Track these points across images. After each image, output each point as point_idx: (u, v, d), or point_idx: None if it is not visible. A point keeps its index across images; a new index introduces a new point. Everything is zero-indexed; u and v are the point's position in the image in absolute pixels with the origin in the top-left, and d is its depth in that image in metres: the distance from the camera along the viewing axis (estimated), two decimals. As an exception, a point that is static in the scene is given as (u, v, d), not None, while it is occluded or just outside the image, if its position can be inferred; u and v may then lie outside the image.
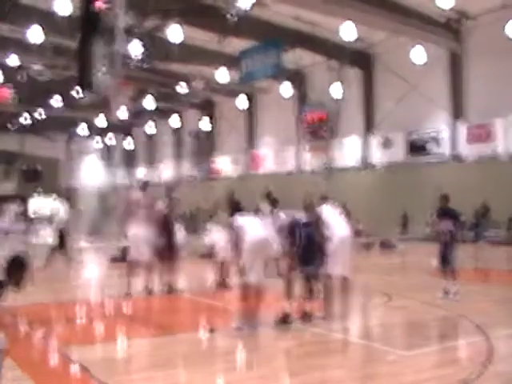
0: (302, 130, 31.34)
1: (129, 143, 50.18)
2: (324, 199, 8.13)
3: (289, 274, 7.28)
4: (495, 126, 22.94)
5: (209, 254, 16.19)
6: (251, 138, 36.12)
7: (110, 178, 54.76)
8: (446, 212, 9.23)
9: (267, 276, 7.57)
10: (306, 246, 7.11)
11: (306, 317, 7.26)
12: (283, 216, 7.38)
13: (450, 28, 23.22)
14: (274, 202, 7.84)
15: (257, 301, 6.88)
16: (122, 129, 47.23)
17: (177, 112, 37.48)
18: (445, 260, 9.02)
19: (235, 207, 7.42)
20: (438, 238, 9.35)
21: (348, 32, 20.11)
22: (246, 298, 6.83)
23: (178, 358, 5.67)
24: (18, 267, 3.88)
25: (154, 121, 41.00)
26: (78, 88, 8.67)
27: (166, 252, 9.71)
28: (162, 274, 9.78)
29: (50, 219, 14.45)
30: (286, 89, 28.40)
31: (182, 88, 23.29)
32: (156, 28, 24.09)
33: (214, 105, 39.32)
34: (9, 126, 35.67)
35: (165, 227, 9.72)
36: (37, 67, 23.16)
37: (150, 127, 43.72)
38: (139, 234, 9.39)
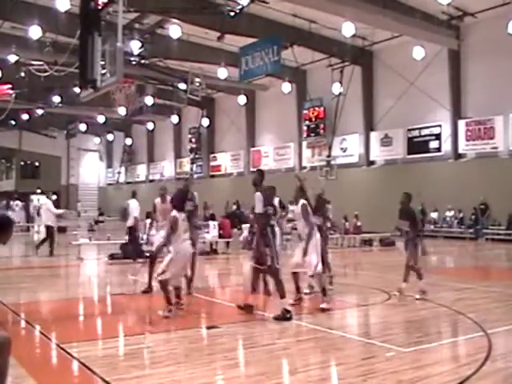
0: (302, 126, 31.36)
1: (129, 140, 50.14)
2: (303, 194, 8.11)
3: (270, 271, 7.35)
4: (495, 123, 22.94)
5: (208, 252, 16.29)
6: (251, 135, 36.09)
7: (110, 176, 54.73)
8: (404, 212, 9.28)
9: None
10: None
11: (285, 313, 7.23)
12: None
13: (450, 25, 23.19)
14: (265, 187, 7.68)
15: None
16: (122, 126, 47.18)
17: (177, 109, 37.41)
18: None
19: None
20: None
21: (348, 29, 20.14)
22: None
23: (178, 355, 5.69)
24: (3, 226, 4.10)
25: (153, 118, 40.89)
26: (78, 85, 8.63)
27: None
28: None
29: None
30: (286, 86, 28.38)
31: (181, 85, 23.34)
32: (156, 25, 24.07)
33: (213, 102, 39.28)
34: (8, 122, 35.62)
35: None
36: (36, 63, 23.13)
37: (150, 124, 43.67)
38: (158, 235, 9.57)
